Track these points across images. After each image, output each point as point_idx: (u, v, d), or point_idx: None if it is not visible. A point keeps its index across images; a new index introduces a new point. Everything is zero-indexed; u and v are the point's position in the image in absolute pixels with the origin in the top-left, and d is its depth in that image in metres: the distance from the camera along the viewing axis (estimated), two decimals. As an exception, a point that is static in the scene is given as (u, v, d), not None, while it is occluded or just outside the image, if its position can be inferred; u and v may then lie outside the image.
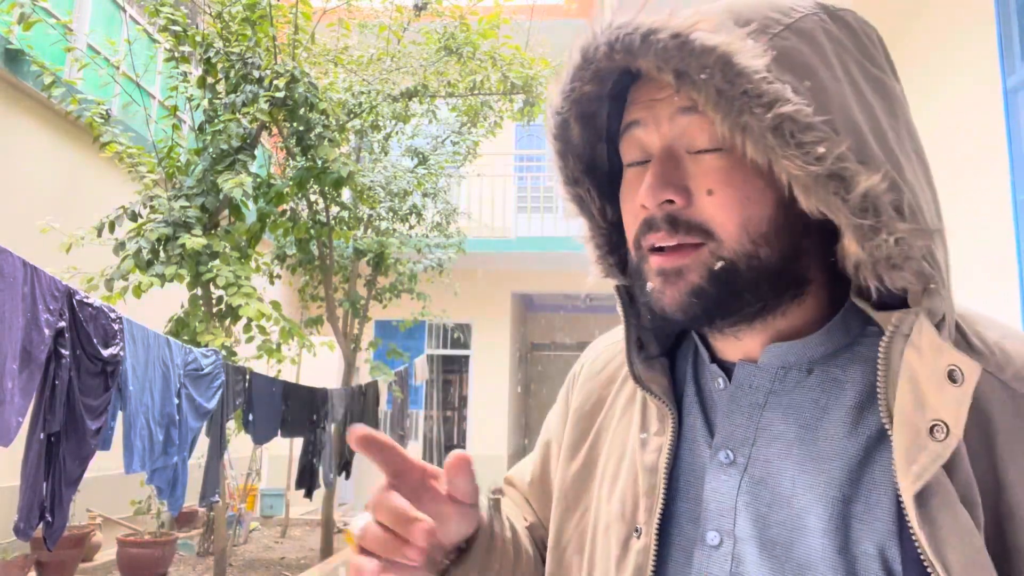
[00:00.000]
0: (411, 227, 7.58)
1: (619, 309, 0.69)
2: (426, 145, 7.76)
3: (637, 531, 0.64)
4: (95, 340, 3.11)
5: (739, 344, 0.64)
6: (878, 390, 0.55)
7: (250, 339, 5.26)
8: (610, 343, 0.81)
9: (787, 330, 0.62)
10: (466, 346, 11.48)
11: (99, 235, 4.78)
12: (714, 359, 0.67)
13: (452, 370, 12.88)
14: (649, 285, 0.61)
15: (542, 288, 11.62)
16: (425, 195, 7.53)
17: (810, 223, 0.58)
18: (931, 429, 0.51)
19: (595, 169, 0.69)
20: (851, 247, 0.54)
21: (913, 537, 0.51)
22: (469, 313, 10.83)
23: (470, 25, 6.58)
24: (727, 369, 0.66)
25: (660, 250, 0.60)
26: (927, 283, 0.53)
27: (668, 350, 0.72)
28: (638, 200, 0.60)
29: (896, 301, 0.56)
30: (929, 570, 0.50)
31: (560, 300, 12.74)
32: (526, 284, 11.54)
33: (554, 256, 10.53)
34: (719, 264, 0.58)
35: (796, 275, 0.60)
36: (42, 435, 2.89)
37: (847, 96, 0.56)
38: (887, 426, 0.54)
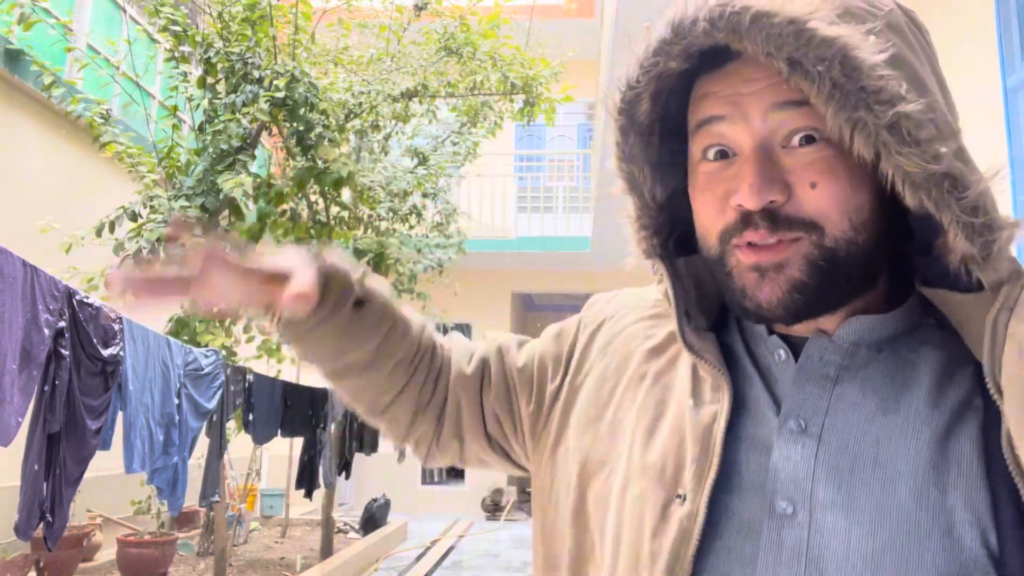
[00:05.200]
0: (411, 227, 7.57)
1: (665, 282, 0.69)
2: (426, 145, 7.76)
3: (680, 496, 0.61)
4: (95, 340, 3.11)
5: (813, 322, 0.64)
6: (984, 361, 0.55)
7: (250, 339, 5.26)
8: (634, 303, 0.79)
9: (865, 305, 0.64)
10: (466, 346, 11.48)
11: (99, 235, 4.78)
12: (771, 332, 0.66)
13: (452, 370, 12.87)
14: (739, 281, 0.61)
15: (542, 288, 11.62)
16: (425, 195, 7.53)
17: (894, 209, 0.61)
18: None
19: (650, 147, 0.68)
20: (959, 244, 0.55)
21: None
22: (469, 313, 10.83)
23: (470, 25, 6.57)
24: (787, 342, 0.65)
25: (752, 244, 0.59)
26: (1018, 263, 0.56)
27: (711, 325, 0.71)
28: (735, 200, 0.59)
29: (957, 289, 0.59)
30: None
31: (560, 300, 12.73)
32: (526, 284, 11.54)
33: (554, 256, 10.53)
34: (820, 254, 0.58)
35: (882, 260, 0.62)
36: (42, 435, 2.89)
37: (937, 94, 0.57)
38: (995, 397, 0.54)
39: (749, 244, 0.60)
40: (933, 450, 0.56)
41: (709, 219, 0.63)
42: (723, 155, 0.61)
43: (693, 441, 0.63)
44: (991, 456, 0.55)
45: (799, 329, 0.64)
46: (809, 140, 0.58)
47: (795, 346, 0.65)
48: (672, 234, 0.71)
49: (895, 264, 0.66)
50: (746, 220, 0.59)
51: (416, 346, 0.81)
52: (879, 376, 0.61)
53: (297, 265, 0.66)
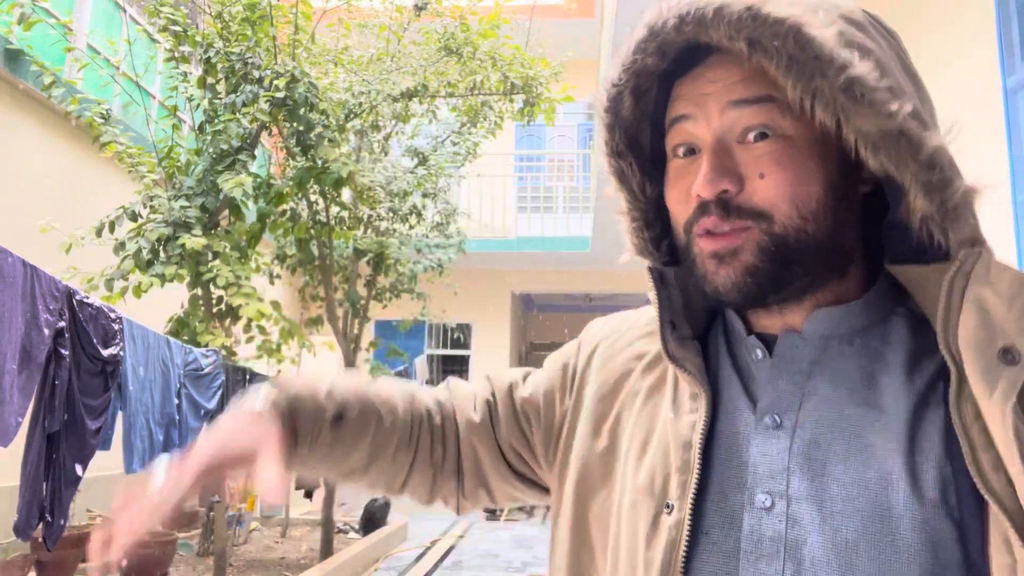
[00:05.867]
0: (411, 227, 7.57)
1: (651, 291, 0.71)
2: (426, 145, 7.76)
3: (668, 507, 0.64)
4: (95, 340, 3.11)
5: (781, 317, 0.67)
6: (938, 326, 0.58)
7: (250, 339, 5.26)
8: (629, 325, 0.82)
9: (833, 298, 0.66)
10: (466, 346, 11.48)
11: (99, 235, 4.78)
12: (750, 332, 0.69)
13: (452, 370, 12.86)
14: (701, 268, 0.65)
15: (542, 288, 11.62)
16: (425, 195, 7.53)
17: (853, 203, 0.65)
18: (1002, 353, 0.54)
19: (638, 145, 0.72)
20: (918, 202, 0.58)
21: (976, 471, 0.53)
22: (469, 313, 10.83)
23: (470, 25, 6.58)
24: (765, 341, 0.68)
25: (710, 234, 0.63)
26: (978, 231, 0.59)
27: (699, 334, 0.73)
28: (694, 190, 0.63)
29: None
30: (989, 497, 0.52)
31: (560, 300, 12.74)
32: (526, 284, 11.54)
33: (554, 256, 10.53)
34: (770, 240, 0.62)
35: (841, 251, 0.65)
36: (42, 435, 2.89)
37: (898, 73, 0.61)
38: (949, 362, 0.57)
39: (708, 232, 0.64)
40: (901, 437, 0.58)
41: (677, 211, 0.67)
42: (691, 152, 0.66)
43: (675, 452, 0.66)
44: (950, 432, 0.57)
45: (773, 325, 0.68)
46: (763, 136, 0.62)
47: (772, 344, 0.67)
48: (664, 236, 0.73)
49: (870, 254, 0.68)
50: (703, 208, 0.63)
51: (409, 423, 0.82)
52: (849, 368, 0.64)
53: (255, 449, 0.65)
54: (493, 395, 0.85)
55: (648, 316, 0.80)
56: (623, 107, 0.70)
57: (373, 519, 8.12)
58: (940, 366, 0.60)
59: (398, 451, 0.80)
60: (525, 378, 0.86)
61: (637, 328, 0.80)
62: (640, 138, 0.72)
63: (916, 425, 0.59)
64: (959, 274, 0.57)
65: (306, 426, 0.74)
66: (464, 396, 0.86)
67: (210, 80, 5.27)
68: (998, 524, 0.52)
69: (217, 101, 5.23)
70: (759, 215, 0.62)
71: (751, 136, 0.62)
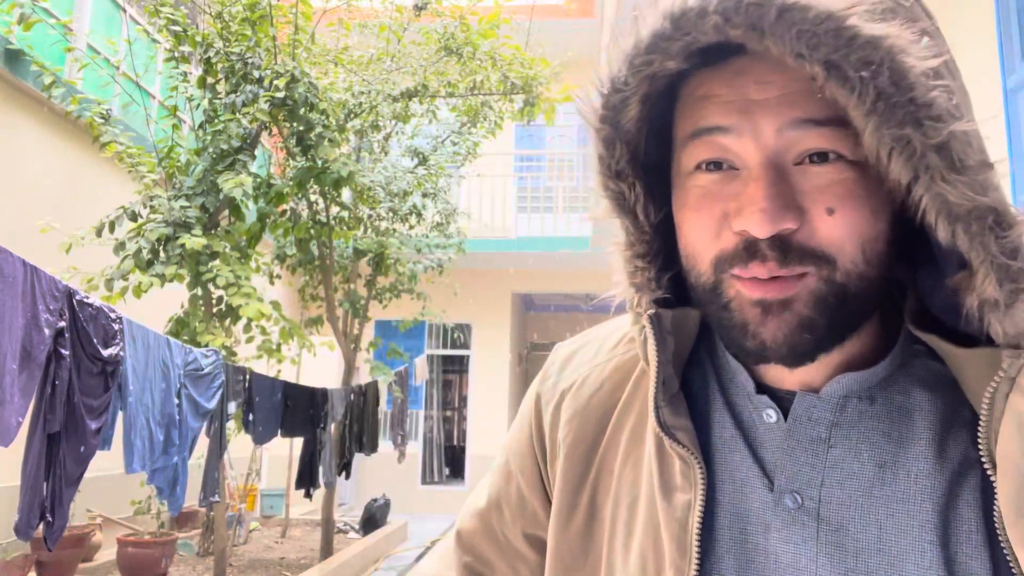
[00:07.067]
0: (411, 227, 7.58)
1: (650, 344, 0.59)
2: (426, 145, 7.76)
3: None
4: (95, 340, 3.11)
5: (797, 372, 0.56)
6: (979, 434, 0.50)
7: (250, 339, 5.26)
8: (591, 365, 0.70)
9: (852, 354, 0.56)
10: (466, 346, 11.48)
11: (99, 235, 4.78)
12: (760, 388, 0.58)
13: (452, 370, 12.87)
14: (740, 316, 0.52)
15: (542, 288, 11.61)
16: (425, 195, 7.54)
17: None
18: None
19: (636, 160, 0.58)
20: (987, 287, 0.47)
21: None
22: (469, 313, 10.83)
23: (470, 25, 6.58)
24: (775, 399, 0.58)
25: (755, 278, 0.52)
26: None
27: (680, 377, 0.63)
28: (740, 224, 0.50)
29: (945, 328, 0.53)
30: None
31: (560, 300, 12.74)
32: (526, 284, 11.54)
33: (554, 256, 10.53)
34: (830, 289, 0.50)
35: (883, 292, 0.54)
36: (42, 435, 2.89)
37: (967, 97, 0.48)
38: (989, 472, 0.50)
39: (754, 277, 0.51)
40: (936, 523, 0.51)
41: (702, 243, 0.53)
42: (718, 166, 0.52)
43: (669, 539, 0.57)
44: (991, 521, 0.50)
45: (786, 380, 0.57)
46: (823, 158, 0.50)
47: (781, 402, 0.57)
48: (667, 269, 0.60)
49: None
50: (751, 249, 0.50)
51: None
52: (873, 434, 0.55)
53: None
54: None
55: (610, 347, 0.71)
56: (626, 117, 0.55)
57: (373, 519, 8.12)
58: (972, 433, 0.52)
59: None
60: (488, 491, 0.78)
61: (601, 365, 0.69)
62: (640, 150, 0.58)
63: (950, 507, 0.51)
64: (1004, 381, 0.48)
65: None
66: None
67: (210, 80, 5.27)
68: None
69: (217, 101, 5.23)
70: (822, 259, 0.50)
71: (809, 157, 0.50)
